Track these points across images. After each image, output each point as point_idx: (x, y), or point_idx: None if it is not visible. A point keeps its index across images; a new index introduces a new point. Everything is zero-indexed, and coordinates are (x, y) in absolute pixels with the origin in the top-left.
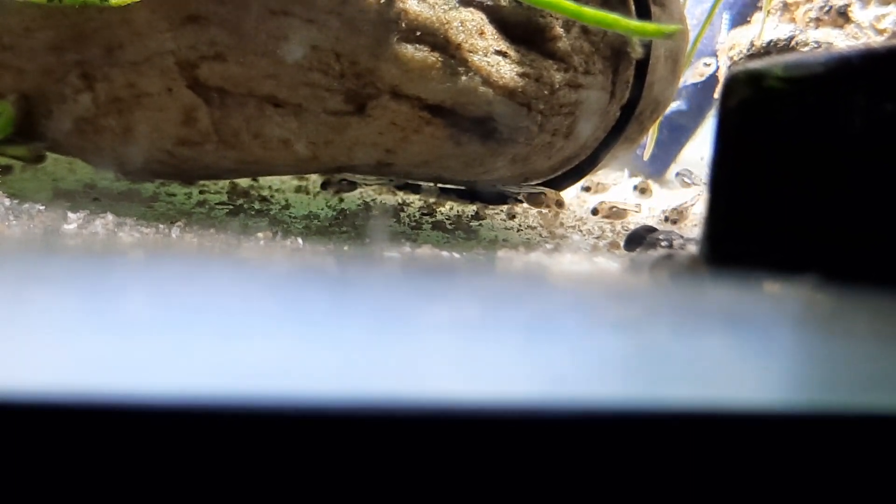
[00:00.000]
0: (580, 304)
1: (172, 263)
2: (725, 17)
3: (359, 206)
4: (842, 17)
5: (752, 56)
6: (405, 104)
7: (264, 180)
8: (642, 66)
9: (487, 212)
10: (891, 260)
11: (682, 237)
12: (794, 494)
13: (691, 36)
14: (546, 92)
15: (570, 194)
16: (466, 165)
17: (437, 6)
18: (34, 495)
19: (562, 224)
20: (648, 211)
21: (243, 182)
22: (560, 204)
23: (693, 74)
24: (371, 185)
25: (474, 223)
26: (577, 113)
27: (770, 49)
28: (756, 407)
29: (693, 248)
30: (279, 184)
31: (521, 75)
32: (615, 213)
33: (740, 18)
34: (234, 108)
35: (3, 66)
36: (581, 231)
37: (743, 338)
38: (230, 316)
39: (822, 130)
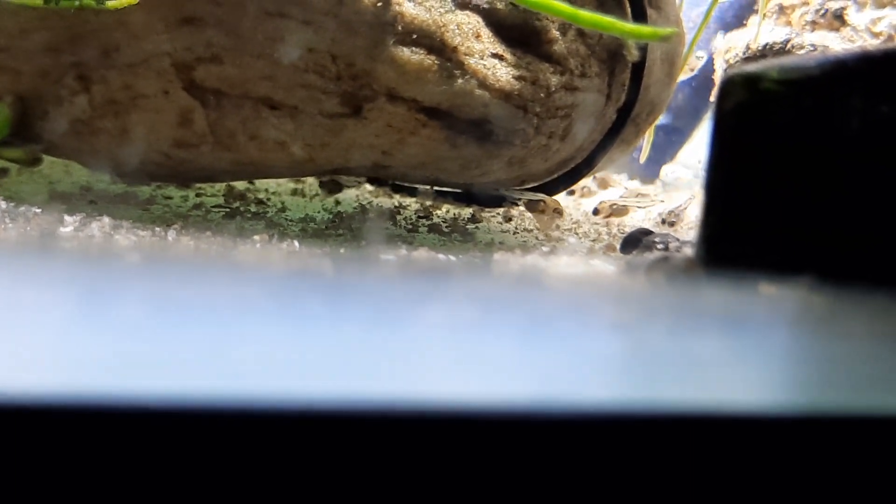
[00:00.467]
0: (576, 306)
1: (169, 266)
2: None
3: (355, 208)
4: (837, 20)
5: (748, 59)
6: (401, 106)
7: (260, 183)
8: (638, 69)
9: (484, 214)
10: (887, 261)
11: (678, 240)
12: (792, 496)
13: (687, 39)
14: (542, 94)
15: (569, 196)
16: (463, 168)
17: (433, 9)
18: (33, 497)
19: (558, 227)
20: (645, 214)
21: (240, 185)
22: (559, 212)
23: (685, 69)
24: (354, 186)
25: (470, 226)
26: (574, 115)
27: (766, 52)
28: (752, 409)
29: (689, 251)
30: (275, 186)
31: (518, 78)
32: (616, 211)
33: (736, 21)
34: (231, 110)
35: None
36: (577, 234)
37: (739, 339)
38: (226, 318)
39: (818, 133)
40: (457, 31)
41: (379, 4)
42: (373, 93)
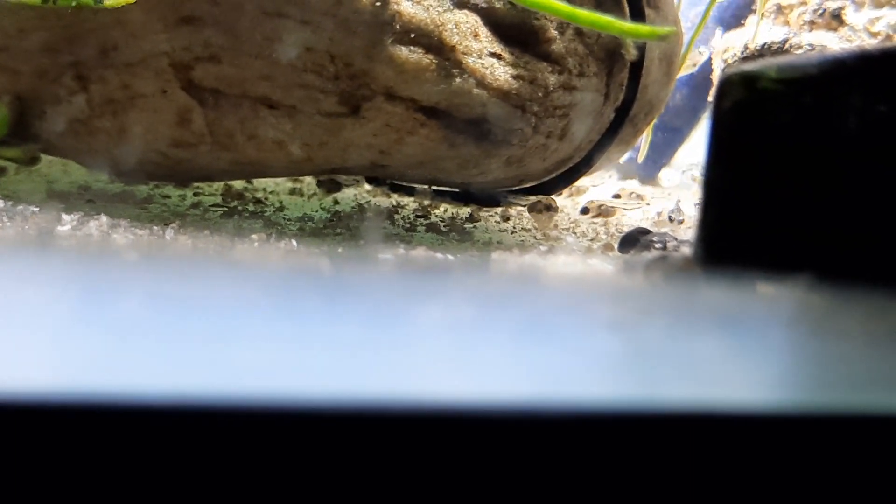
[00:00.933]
0: (574, 305)
1: (167, 265)
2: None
3: (353, 208)
4: (835, 20)
5: (746, 59)
6: (399, 106)
7: (258, 182)
8: (636, 69)
9: (482, 214)
10: (884, 260)
11: (676, 239)
12: (788, 495)
13: (685, 38)
14: (540, 94)
15: (567, 196)
16: (461, 167)
17: (431, 8)
18: (32, 495)
19: (556, 226)
20: (642, 213)
21: (237, 184)
22: (553, 209)
23: (686, 65)
24: (352, 185)
25: (468, 225)
26: (572, 115)
27: (764, 52)
28: (749, 407)
29: (687, 250)
30: (273, 186)
31: (516, 77)
32: (605, 212)
33: (734, 21)
34: (229, 110)
35: None
36: (575, 233)
37: (736, 338)
38: (224, 317)
39: (816, 132)
40: (455, 30)
41: (377, 4)
42: (371, 92)
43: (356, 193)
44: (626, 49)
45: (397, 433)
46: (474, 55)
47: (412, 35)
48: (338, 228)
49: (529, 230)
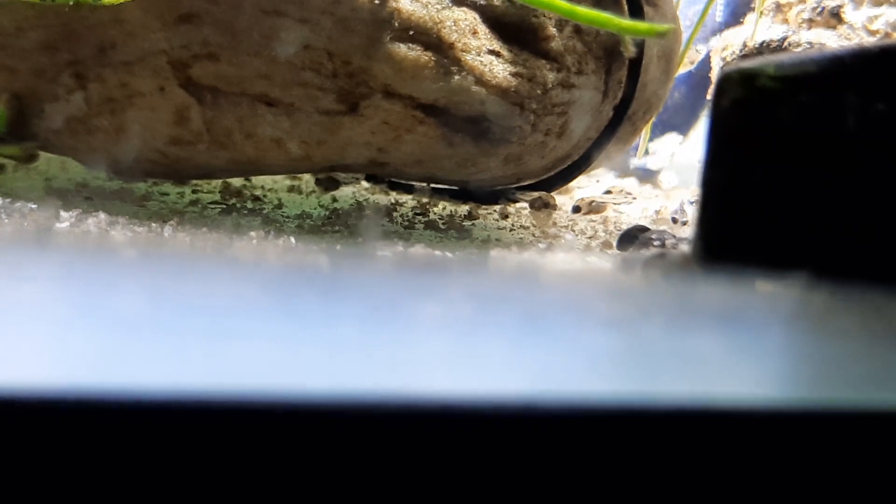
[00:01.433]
0: (572, 302)
1: (165, 262)
2: (720, 12)
3: (351, 205)
4: (834, 18)
5: (744, 56)
6: (398, 103)
7: (257, 180)
8: (635, 67)
9: (480, 211)
10: (883, 258)
11: (674, 236)
12: (786, 493)
13: (684, 36)
14: (539, 91)
15: (559, 193)
16: (459, 165)
17: (429, 5)
18: (30, 493)
19: (554, 224)
20: (642, 212)
21: (236, 181)
22: (552, 206)
23: (684, 63)
24: (350, 183)
25: (467, 223)
26: (570, 112)
27: (763, 50)
28: (748, 404)
29: (686, 248)
30: (272, 183)
31: (514, 75)
32: (595, 208)
33: (733, 19)
34: (227, 108)
35: None
36: (574, 231)
37: (735, 335)
38: (222, 313)
39: (815, 130)
40: (453, 27)
41: (375, 1)
42: (369, 90)
43: (355, 191)
44: (625, 46)
45: (396, 430)
46: (473, 53)
47: (411, 32)
48: (336, 226)
49: (528, 228)
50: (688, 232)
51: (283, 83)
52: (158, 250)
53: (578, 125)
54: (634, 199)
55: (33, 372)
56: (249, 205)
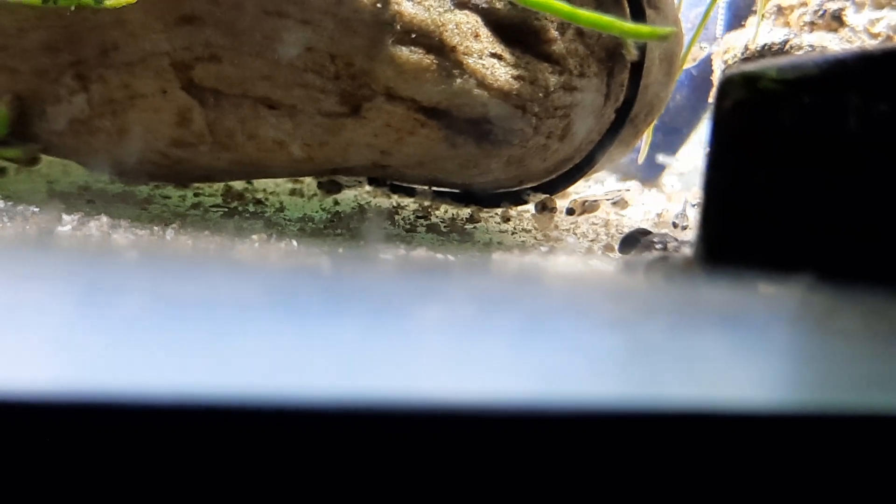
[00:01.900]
0: (575, 304)
1: (167, 264)
2: (721, 17)
3: (353, 208)
4: (836, 20)
5: (746, 59)
6: (400, 106)
7: (259, 183)
8: (637, 69)
9: (482, 214)
10: (885, 260)
11: (676, 239)
12: (789, 494)
13: (686, 39)
14: (541, 94)
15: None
16: (461, 167)
17: (432, 8)
18: (33, 493)
19: (556, 227)
20: (644, 215)
21: (238, 184)
22: (552, 209)
23: (687, 60)
24: (352, 186)
25: (469, 226)
26: (572, 115)
27: (764, 52)
28: (751, 406)
29: (688, 250)
30: (274, 186)
31: (516, 77)
32: (588, 207)
33: (735, 21)
34: (229, 110)
35: None
36: (575, 234)
37: (738, 338)
38: (225, 316)
39: (817, 132)
40: (455, 30)
41: (378, 4)
42: (371, 92)
43: (356, 194)
44: (627, 49)
45: (399, 432)
46: (475, 55)
47: (413, 35)
48: (338, 229)
49: (530, 231)
50: (689, 235)
51: (285, 85)
52: (160, 253)
53: (580, 128)
54: (628, 190)
55: (37, 374)
56: (251, 208)
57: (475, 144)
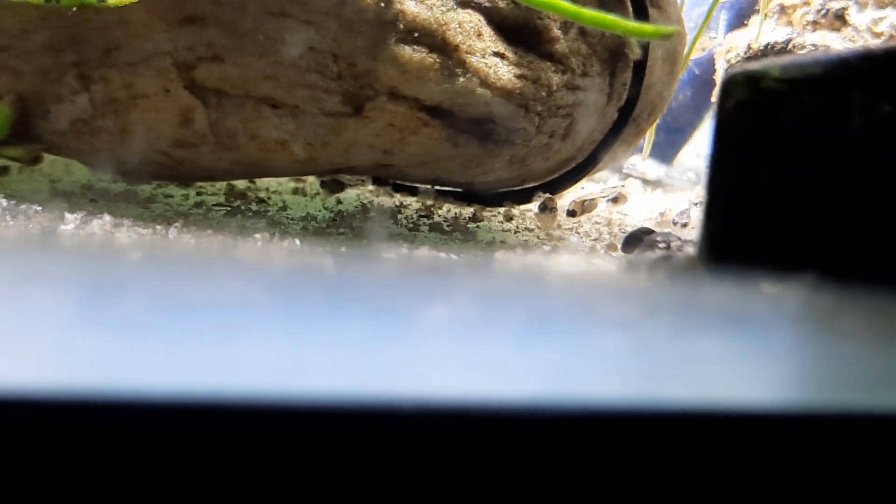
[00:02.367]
0: (578, 304)
1: (170, 263)
2: (723, 19)
3: (356, 207)
4: (839, 20)
5: (749, 59)
6: (403, 105)
7: (261, 182)
8: (640, 69)
9: (485, 214)
10: (889, 259)
11: (679, 239)
12: (792, 494)
13: (689, 38)
14: (544, 93)
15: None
16: (464, 167)
17: (434, 8)
18: (35, 494)
19: (559, 226)
20: (647, 213)
21: (240, 184)
22: (553, 209)
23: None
24: (355, 185)
25: (472, 225)
26: (575, 115)
27: (767, 52)
28: (754, 407)
29: (691, 250)
30: (276, 185)
31: (519, 77)
32: (587, 206)
33: (738, 21)
34: (232, 110)
35: None
36: (578, 233)
37: (741, 337)
38: (228, 315)
39: (820, 131)
40: (458, 29)
41: (380, 3)
42: (374, 92)
43: (359, 193)
44: (630, 48)
45: (402, 432)
46: (478, 55)
47: (416, 34)
48: (341, 228)
49: (532, 230)
50: (692, 234)
51: (288, 85)
52: (163, 252)
53: (583, 127)
54: (623, 185)
55: (39, 373)
56: (254, 207)
57: (478, 144)
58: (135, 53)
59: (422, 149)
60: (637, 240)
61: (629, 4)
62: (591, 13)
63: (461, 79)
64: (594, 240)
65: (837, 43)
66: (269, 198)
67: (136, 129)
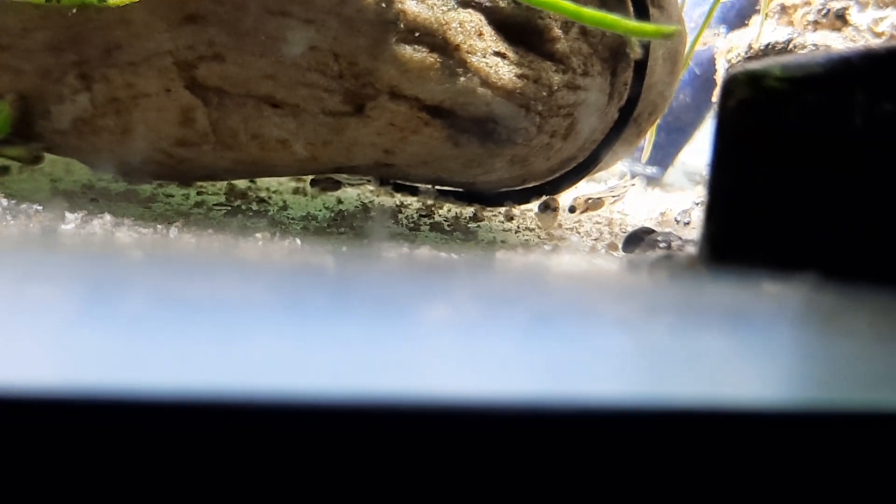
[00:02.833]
0: (580, 303)
1: (171, 262)
2: (722, 31)
3: (356, 207)
4: (839, 20)
5: (750, 58)
6: (404, 105)
7: (262, 181)
8: (641, 68)
9: (485, 213)
10: (890, 259)
11: (680, 238)
12: (793, 492)
13: (689, 38)
14: (544, 93)
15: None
16: (465, 166)
17: (435, 7)
18: (35, 491)
19: (560, 226)
20: (647, 213)
21: (241, 183)
22: (555, 208)
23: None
24: (354, 184)
25: (472, 225)
26: (576, 114)
27: (768, 52)
28: (755, 405)
29: (692, 249)
30: (277, 185)
31: (520, 76)
32: (592, 205)
33: (738, 21)
34: (233, 109)
35: (0, 66)
36: (579, 232)
37: (742, 336)
38: (229, 314)
39: (822, 130)
40: (459, 29)
41: (381, 3)
42: (375, 91)
43: (359, 193)
44: (631, 48)
45: (403, 430)
46: (479, 54)
47: (417, 34)
48: (342, 228)
49: (533, 230)
50: (693, 233)
51: (289, 84)
52: (164, 252)
53: (584, 127)
54: (633, 185)
55: (41, 372)
56: (255, 206)
57: (479, 143)
58: (136, 53)
59: (423, 148)
60: (638, 239)
61: (630, 4)
62: (592, 12)
63: (462, 78)
64: (595, 239)
65: (838, 43)
66: (269, 197)
67: (137, 129)
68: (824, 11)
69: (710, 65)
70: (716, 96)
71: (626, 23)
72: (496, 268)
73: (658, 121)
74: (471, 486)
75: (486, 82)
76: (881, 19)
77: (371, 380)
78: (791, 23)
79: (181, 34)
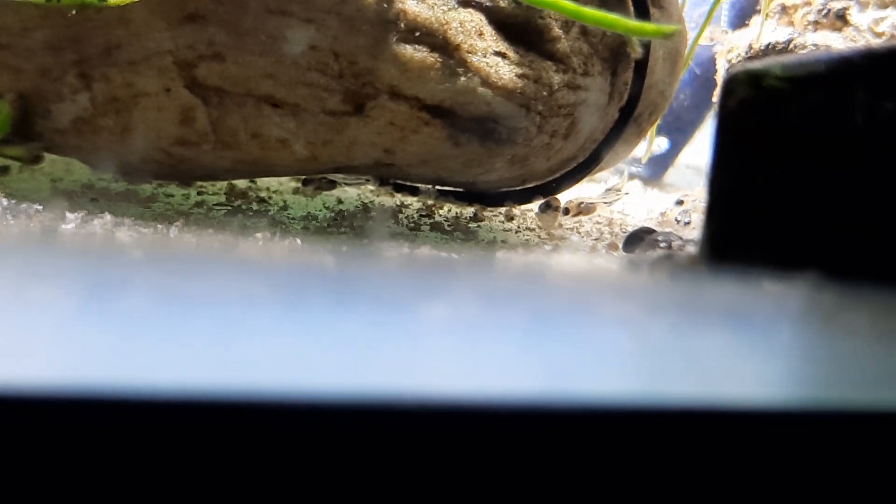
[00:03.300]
0: (580, 302)
1: (171, 262)
2: (724, 18)
3: (357, 207)
4: (840, 20)
5: (750, 58)
6: (404, 104)
7: (262, 181)
8: (641, 68)
9: (486, 213)
10: (891, 258)
11: (680, 238)
12: (794, 492)
13: (690, 38)
14: (545, 93)
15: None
16: (465, 166)
17: (436, 7)
18: (36, 490)
19: (560, 225)
20: (647, 213)
21: (241, 183)
22: (557, 208)
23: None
24: (351, 184)
25: (473, 224)
26: (576, 114)
27: (768, 52)
28: (756, 404)
29: (692, 249)
30: (277, 185)
31: (520, 76)
32: (584, 209)
33: (739, 21)
34: (232, 108)
35: (0, 65)
36: (579, 232)
37: (743, 335)
38: (229, 313)
39: (822, 130)
40: (459, 28)
41: (382, 2)
42: (375, 91)
43: (360, 193)
44: (632, 48)
45: (404, 429)
46: (479, 54)
47: (417, 33)
48: (342, 227)
49: (534, 230)
50: (693, 233)
51: (289, 83)
52: (164, 251)
53: (584, 126)
54: (626, 193)
55: (41, 371)
56: (255, 206)
57: (479, 143)
58: (136, 52)
59: (423, 148)
60: (638, 239)
61: (630, 4)
62: (592, 12)
63: (462, 78)
64: (595, 239)
65: (839, 43)
66: (269, 197)
67: (137, 128)
68: (825, 11)
69: (710, 64)
70: (716, 96)
71: (626, 22)
72: (496, 267)
73: (658, 120)
74: (471, 485)
75: (486, 82)
76: (881, 19)
77: (372, 378)
78: (791, 23)
79: (181, 33)
